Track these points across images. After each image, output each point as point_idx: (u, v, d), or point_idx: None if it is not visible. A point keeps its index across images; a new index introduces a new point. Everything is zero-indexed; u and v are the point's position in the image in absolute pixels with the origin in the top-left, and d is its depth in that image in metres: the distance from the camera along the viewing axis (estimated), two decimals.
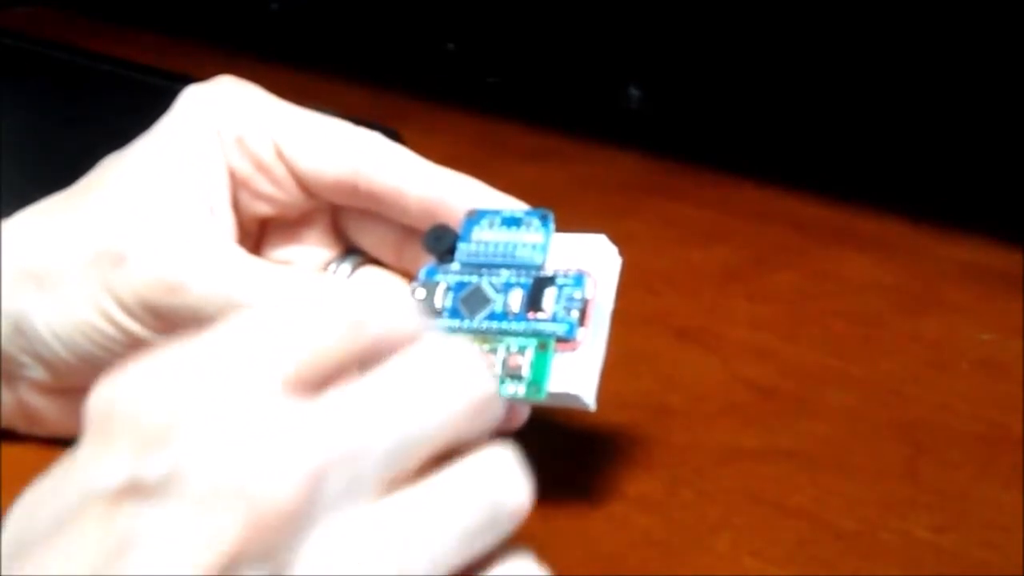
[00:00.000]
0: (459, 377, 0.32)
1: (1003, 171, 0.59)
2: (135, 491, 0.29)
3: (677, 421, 0.47)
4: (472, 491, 0.32)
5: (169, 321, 0.41)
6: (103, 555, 0.28)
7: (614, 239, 0.41)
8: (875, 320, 0.54)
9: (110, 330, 0.41)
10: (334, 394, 0.31)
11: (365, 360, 0.32)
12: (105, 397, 0.30)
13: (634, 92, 0.68)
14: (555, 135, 0.70)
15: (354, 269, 0.45)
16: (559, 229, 0.41)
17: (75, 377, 0.42)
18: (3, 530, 0.30)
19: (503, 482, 0.32)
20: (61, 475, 0.30)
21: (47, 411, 0.44)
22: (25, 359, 0.43)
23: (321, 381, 0.31)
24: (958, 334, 0.53)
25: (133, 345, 0.41)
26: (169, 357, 0.31)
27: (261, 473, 0.29)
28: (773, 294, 0.56)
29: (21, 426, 0.45)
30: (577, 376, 0.39)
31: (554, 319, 0.39)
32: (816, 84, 0.63)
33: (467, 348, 0.32)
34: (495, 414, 0.33)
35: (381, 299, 0.32)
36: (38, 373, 0.43)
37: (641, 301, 0.53)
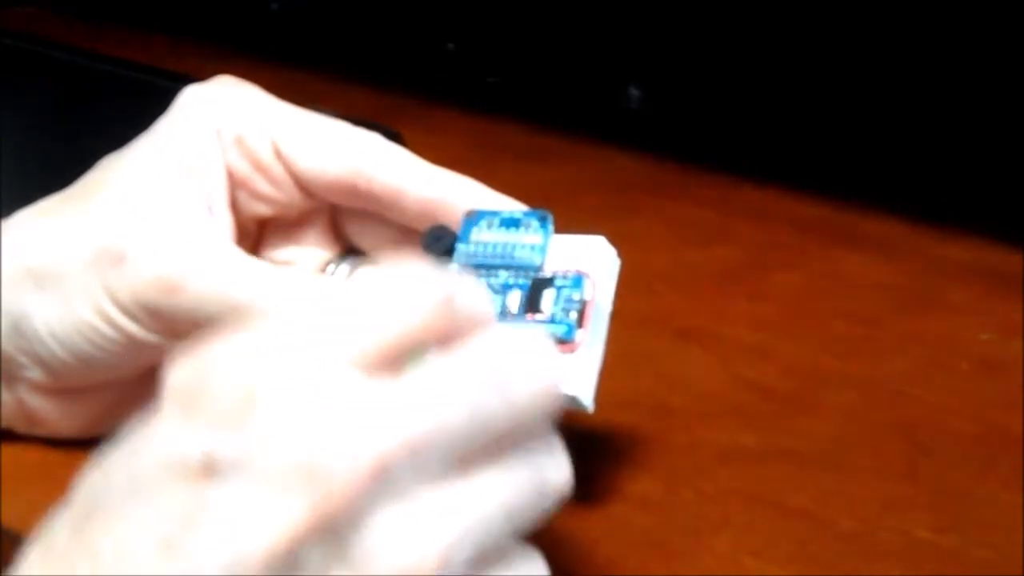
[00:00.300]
0: (538, 362, 0.33)
1: (1003, 171, 0.59)
2: (210, 467, 0.30)
3: (677, 421, 0.47)
4: (525, 476, 0.33)
5: (167, 321, 0.41)
6: (176, 524, 0.30)
7: (614, 239, 0.41)
8: (875, 320, 0.54)
9: (108, 330, 0.41)
10: (414, 373, 0.32)
11: (446, 338, 0.33)
12: (185, 372, 0.31)
13: (634, 92, 0.68)
14: (555, 135, 0.70)
15: (353, 270, 0.45)
16: (558, 230, 0.41)
17: (73, 377, 0.42)
18: (78, 488, 0.32)
19: (549, 461, 0.34)
20: (138, 443, 0.31)
21: (46, 411, 0.44)
22: (23, 359, 0.43)
23: (403, 357, 0.32)
24: (958, 334, 0.52)
25: (130, 346, 0.42)
26: (249, 334, 0.32)
27: (329, 456, 0.30)
28: (773, 294, 0.56)
29: (21, 426, 0.45)
30: (575, 378, 0.39)
31: (552, 320, 0.39)
32: (816, 84, 0.63)
33: (541, 335, 0.33)
34: (560, 402, 0.34)
35: (465, 280, 0.34)
36: (36, 374, 0.43)
37: (641, 301, 0.53)
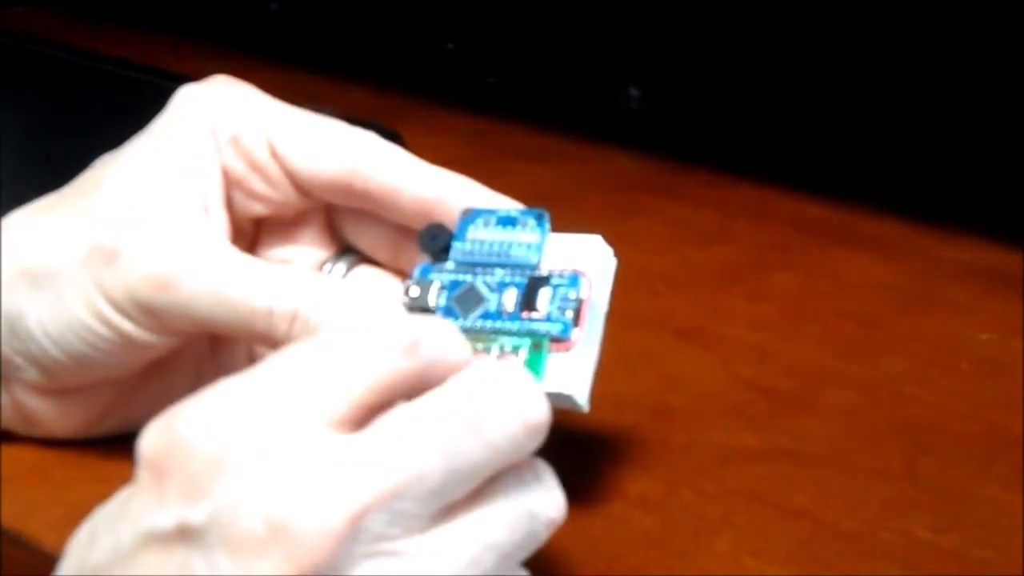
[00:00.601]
0: (515, 404, 0.33)
1: (1003, 171, 0.59)
2: (185, 535, 0.31)
3: (677, 421, 0.47)
4: (514, 512, 0.33)
5: (161, 320, 0.41)
6: None
7: (614, 239, 0.41)
8: (875, 320, 0.54)
9: (102, 329, 0.41)
10: (384, 425, 0.32)
11: (417, 384, 0.33)
12: (155, 439, 0.32)
13: (634, 92, 0.68)
14: (555, 135, 0.70)
15: (349, 269, 0.45)
16: (556, 229, 0.41)
17: (69, 377, 0.42)
18: (66, 555, 0.33)
19: (541, 497, 0.34)
20: (118, 511, 0.32)
21: (43, 412, 0.44)
22: (19, 360, 0.42)
23: (374, 409, 0.32)
24: (958, 334, 0.52)
25: (125, 345, 0.41)
26: (218, 397, 0.32)
27: (299, 516, 0.30)
28: (773, 294, 0.56)
29: (19, 427, 0.45)
30: (571, 376, 0.39)
31: (548, 319, 0.39)
32: (816, 84, 0.63)
33: (519, 372, 0.33)
34: (544, 434, 0.34)
35: (433, 324, 0.34)
36: (32, 374, 0.43)
37: (641, 301, 0.53)
